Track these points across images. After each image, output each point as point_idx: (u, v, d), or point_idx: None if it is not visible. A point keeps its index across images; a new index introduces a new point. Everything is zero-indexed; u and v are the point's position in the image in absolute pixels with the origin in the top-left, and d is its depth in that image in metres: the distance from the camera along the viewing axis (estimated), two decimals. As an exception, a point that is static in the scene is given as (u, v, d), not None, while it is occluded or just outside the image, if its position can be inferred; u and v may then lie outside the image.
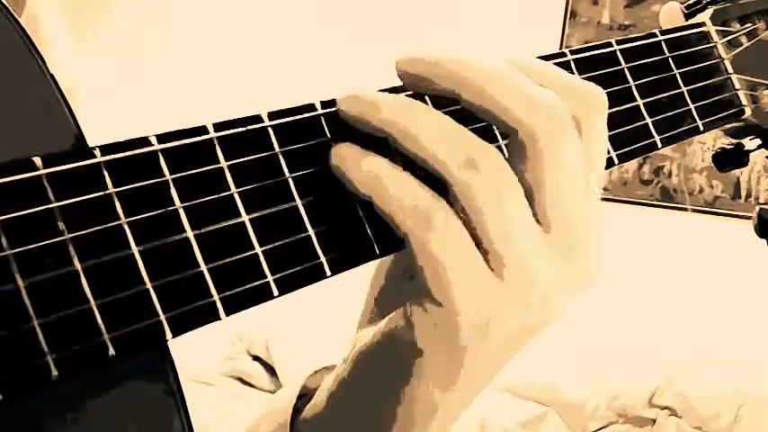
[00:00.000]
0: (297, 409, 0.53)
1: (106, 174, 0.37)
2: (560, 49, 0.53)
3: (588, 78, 0.53)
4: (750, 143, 0.66)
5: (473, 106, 0.43)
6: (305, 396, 0.53)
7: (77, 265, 0.35)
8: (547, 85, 0.43)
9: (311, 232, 0.41)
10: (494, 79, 0.42)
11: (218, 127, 0.40)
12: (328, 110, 0.44)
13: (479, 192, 0.41)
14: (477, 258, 0.41)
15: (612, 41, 0.55)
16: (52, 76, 0.38)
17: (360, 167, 0.41)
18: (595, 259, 0.44)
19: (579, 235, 0.43)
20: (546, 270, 0.42)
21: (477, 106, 0.42)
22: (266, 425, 0.54)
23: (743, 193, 2.87)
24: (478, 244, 0.41)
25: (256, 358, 3.12)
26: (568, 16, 3.09)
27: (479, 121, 0.44)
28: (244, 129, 0.41)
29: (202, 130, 0.40)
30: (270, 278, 0.40)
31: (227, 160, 0.40)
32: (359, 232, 0.43)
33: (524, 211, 0.42)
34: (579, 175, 0.43)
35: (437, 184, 0.42)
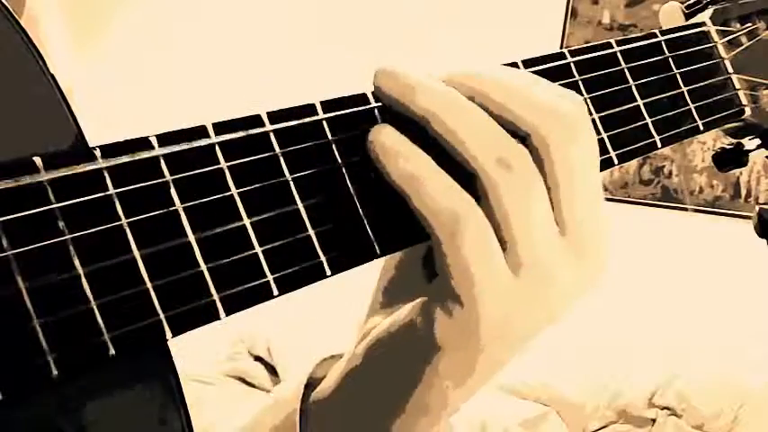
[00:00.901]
0: (303, 399, 0.53)
1: (106, 174, 0.37)
2: (561, 48, 0.52)
3: (588, 78, 0.53)
4: (750, 143, 0.66)
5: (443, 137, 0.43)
6: (310, 385, 0.53)
7: (78, 266, 0.35)
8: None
9: (311, 232, 0.41)
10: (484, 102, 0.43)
11: (218, 127, 0.40)
12: (328, 111, 0.44)
13: (508, 192, 0.42)
14: (501, 260, 0.42)
15: (612, 41, 0.55)
16: (52, 76, 0.38)
17: (398, 162, 0.42)
18: (604, 260, 0.45)
19: (592, 236, 0.45)
20: (563, 270, 0.44)
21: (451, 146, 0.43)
22: (273, 415, 0.54)
23: (743, 193, 2.88)
24: (500, 241, 0.42)
25: (258, 358, 3.12)
26: (569, 16, 3.09)
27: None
28: (244, 129, 0.41)
29: (202, 130, 0.40)
30: (270, 277, 0.40)
31: (227, 161, 0.40)
32: (359, 232, 0.43)
33: (548, 215, 0.43)
34: (591, 177, 0.44)
35: (465, 175, 0.42)
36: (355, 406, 0.50)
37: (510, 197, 0.42)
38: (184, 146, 0.39)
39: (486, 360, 0.44)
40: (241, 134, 0.41)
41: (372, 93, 0.44)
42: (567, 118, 0.43)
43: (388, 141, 0.42)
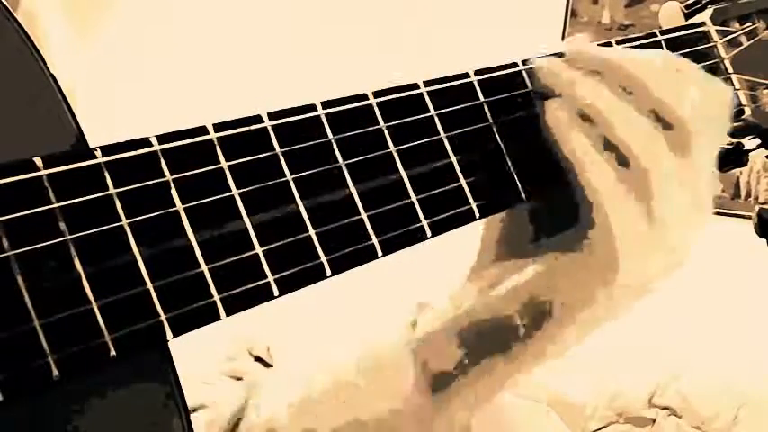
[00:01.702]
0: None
1: (107, 174, 0.37)
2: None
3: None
4: (750, 143, 0.66)
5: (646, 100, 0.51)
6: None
7: (78, 266, 0.35)
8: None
9: (311, 232, 0.41)
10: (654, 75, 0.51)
11: (219, 127, 0.40)
12: (329, 110, 0.44)
13: (655, 176, 0.50)
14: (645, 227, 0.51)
15: (612, 41, 0.56)
16: (53, 75, 0.38)
17: (570, 137, 0.50)
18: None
19: (706, 202, 0.54)
20: (683, 229, 0.53)
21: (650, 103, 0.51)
22: (381, 357, 0.58)
23: (743, 193, 2.87)
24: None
25: (258, 359, 3.12)
26: (569, 16, 3.09)
27: None
28: (244, 129, 0.41)
29: (202, 130, 0.40)
30: (270, 278, 0.40)
31: (227, 161, 0.40)
32: (359, 232, 0.43)
33: (683, 187, 0.51)
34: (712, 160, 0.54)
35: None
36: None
37: (657, 178, 0.50)
38: (185, 145, 0.39)
39: (611, 304, 0.53)
40: (241, 134, 0.41)
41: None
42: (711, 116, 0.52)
43: (561, 115, 0.50)
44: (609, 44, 0.56)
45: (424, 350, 0.56)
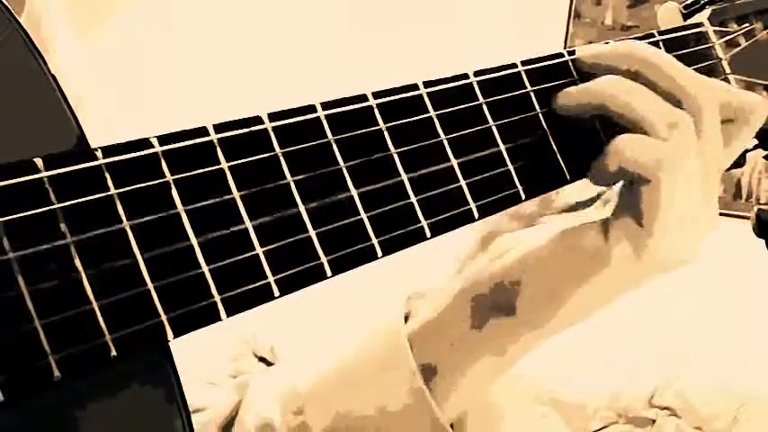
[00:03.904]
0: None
1: (108, 175, 0.37)
2: (564, 49, 0.53)
3: (587, 78, 0.54)
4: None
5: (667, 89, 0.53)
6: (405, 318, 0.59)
7: (79, 267, 0.35)
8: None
9: (312, 233, 0.42)
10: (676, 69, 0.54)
11: (219, 128, 0.40)
12: (329, 111, 0.44)
13: (674, 149, 0.52)
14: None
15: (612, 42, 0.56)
16: (54, 76, 0.38)
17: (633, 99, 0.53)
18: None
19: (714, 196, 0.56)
20: (701, 207, 0.54)
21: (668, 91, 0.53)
22: (374, 350, 0.58)
23: (743, 194, 2.87)
24: None
25: (261, 359, 3.12)
26: (572, 17, 3.09)
27: None
28: (245, 130, 0.41)
29: (203, 131, 0.40)
30: (271, 279, 0.40)
31: (227, 161, 0.40)
32: (360, 232, 0.43)
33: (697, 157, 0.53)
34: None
35: None
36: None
37: (676, 150, 0.51)
38: (186, 146, 0.39)
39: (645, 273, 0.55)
40: (242, 134, 0.41)
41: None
42: (715, 92, 0.55)
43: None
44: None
45: (420, 338, 0.57)
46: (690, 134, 0.52)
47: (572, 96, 0.53)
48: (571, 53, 0.54)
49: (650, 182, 0.51)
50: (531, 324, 0.55)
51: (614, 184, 0.54)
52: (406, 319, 0.59)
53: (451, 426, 0.57)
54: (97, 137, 0.39)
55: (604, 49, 0.54)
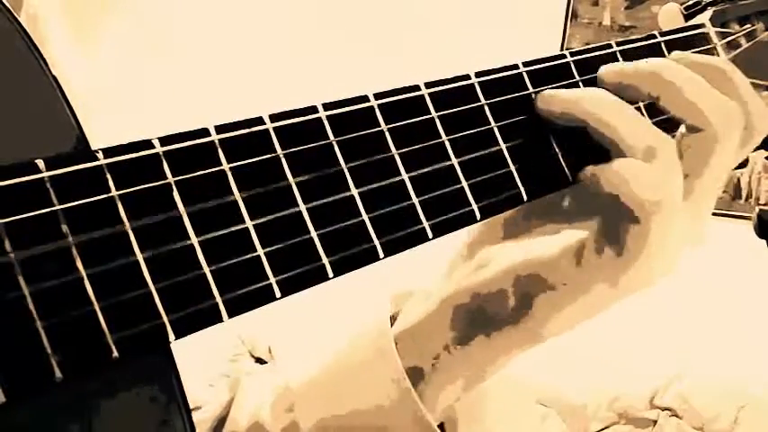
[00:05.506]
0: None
1: (109, 176, 0.37)
2: (562, 49, 0.53)
3: (587, 79, 0.54)
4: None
5: (671, 106, 0.53)
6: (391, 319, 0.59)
7: (81, 268, 0.35)
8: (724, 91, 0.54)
9: (314, 234, 0.41)
10: (689, 84, 0.52)
11: (220, 129, 0.40)
12: (330, 112, 0.44)
13: (655, 174, 0.50)
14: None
15: (612, 43, 0.56)
16: (54, 77, 0.38)
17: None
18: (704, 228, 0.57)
19: (705, 214, 0.56)
20: (679, 229, 0.52)
21: (675, 107, 0.53)
22: (361, 350, 0.58)
23: (743, 194, 2.87)
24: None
25: (259, 360, 3.12)
26: (569, 17, 3.09)
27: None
28: (246, 131, 0.41)
29: (204, 132, 0.40)
30: (272, 280, 0.40)
31: (229, 162, 0.40)
32: (361, 233, 0.43)
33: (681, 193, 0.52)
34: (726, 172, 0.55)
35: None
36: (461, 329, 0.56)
37: (655, 177, 0.50)
38: (187, 147, 0.39)
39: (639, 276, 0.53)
40: (243, 135, 0.41)
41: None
42: (736, 120, 0.54)
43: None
44: (609, 45, 0.56)
45: (406, 340, 0.57)
46: (672, 163, 0.51)
47: (552, 103, 0.52)
48: (573, 54, 0.54)
49: (640, 224, 0.50)
50: (509, 336, 0.55)
51: None
52: (395, 318, 0.59)
53: (442, 425, 0.57)
54: (97, 137, 0.39)
55: (628, 68, 0.53)
